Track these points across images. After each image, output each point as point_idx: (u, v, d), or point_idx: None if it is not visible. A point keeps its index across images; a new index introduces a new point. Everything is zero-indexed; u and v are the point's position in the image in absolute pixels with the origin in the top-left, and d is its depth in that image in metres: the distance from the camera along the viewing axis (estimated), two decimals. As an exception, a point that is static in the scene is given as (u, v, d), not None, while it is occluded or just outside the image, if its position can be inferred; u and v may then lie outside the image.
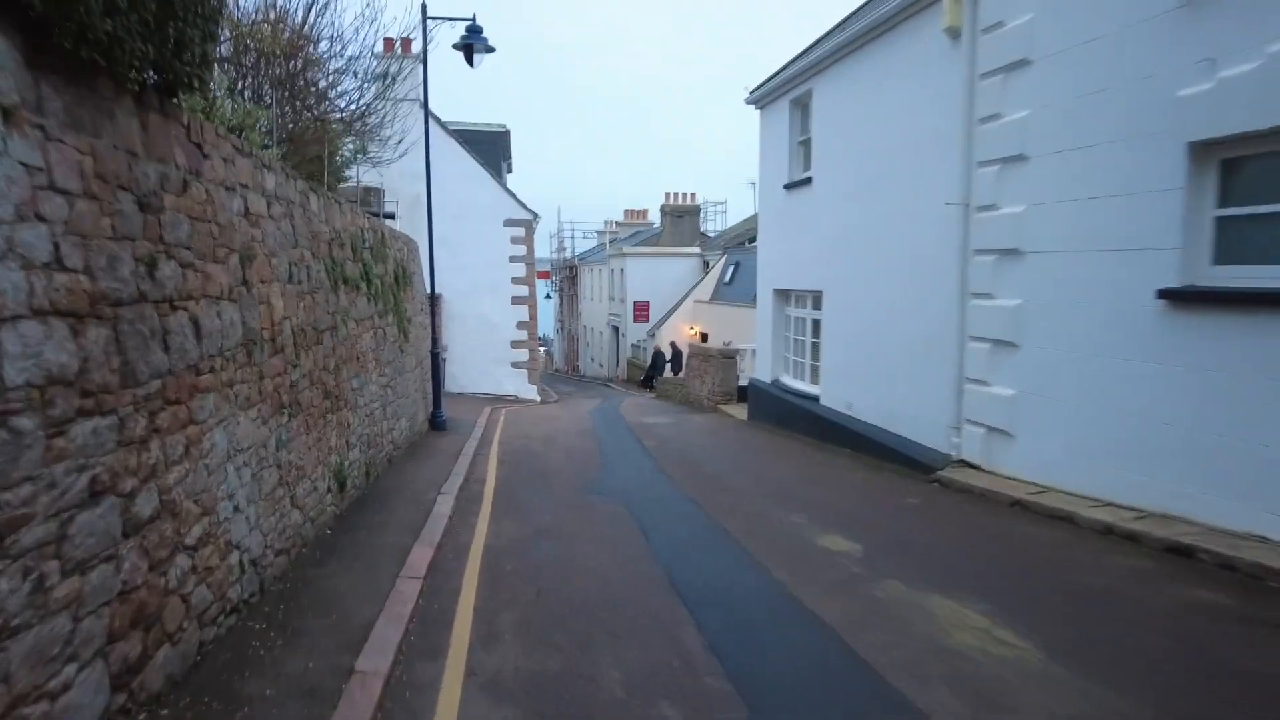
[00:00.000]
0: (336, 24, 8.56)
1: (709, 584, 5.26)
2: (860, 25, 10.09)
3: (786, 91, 12.99)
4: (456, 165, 20.84)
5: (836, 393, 11.39)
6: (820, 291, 11.95)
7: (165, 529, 3.56)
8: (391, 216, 15.30)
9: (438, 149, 14.98)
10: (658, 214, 41.10)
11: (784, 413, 13.24)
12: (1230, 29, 5.25)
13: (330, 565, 5.51)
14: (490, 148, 24.75)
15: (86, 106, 3.11)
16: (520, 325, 22.48)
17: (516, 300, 22.38)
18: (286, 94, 7.32)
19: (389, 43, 16.46)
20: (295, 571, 5.33)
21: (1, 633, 2.41)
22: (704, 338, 29.05)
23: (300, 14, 7.47)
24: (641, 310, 35.70)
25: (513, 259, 22.23)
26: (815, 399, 12.03)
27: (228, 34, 6.68)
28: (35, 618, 2.57)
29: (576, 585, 5.32)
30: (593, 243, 48.73)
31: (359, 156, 10.03)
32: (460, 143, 21.55)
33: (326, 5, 8.00)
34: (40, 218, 2.75)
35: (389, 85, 10.03)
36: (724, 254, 33.08)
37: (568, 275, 48.16)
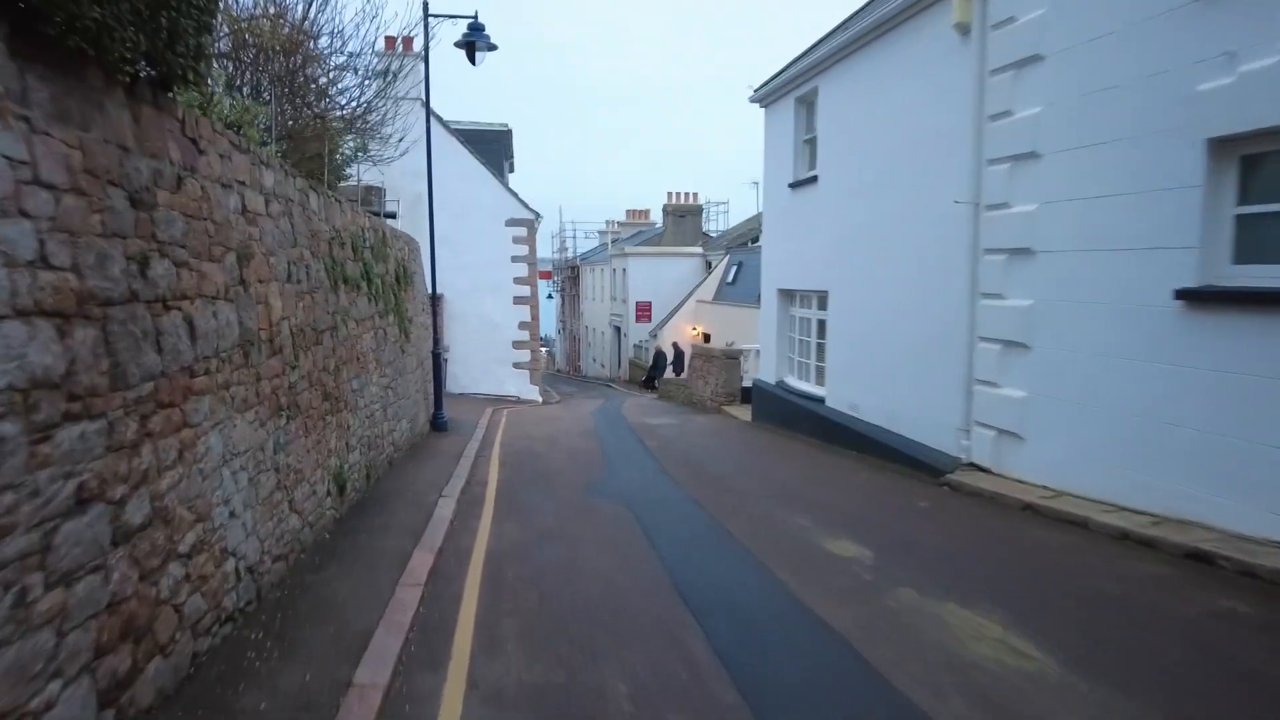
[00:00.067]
0: (337, 20, 8.46)
1: (715, 589, 5.14)
2: (866, 22, 9.97)
3: (791, 90, 12.87)
4: (458, 164, 20.73)
5: (842, 394, 11.26)
6: (826, 291, 11.82)
7: (157, 537, 3.44)
8: (393, 215, 15.19)
9: (439, 148, 14.86)
10: (660, 214, 41.00)
11: (788, 414, 13.11)
12: (1251, 22, 5.12)
13: (329, 571, 5.40)
14: (492, 147, 24.62)
15: (75, 98, 2.99)
16: (522, 325, 22.36)
17: (518, 300, 22.27)
18: (286, 90, 7.20)
19: (390, 41, 16.37)
20: (293, 578, 5.21)
21: (-20, 649, 2.30)
22: (706, 338, 28.93)
23: (300, 9, 7.36)
24: (644, 310, 35.57)
25: (515, 259, 22.11)
26: (820, 400, 11.90)
27: (226, 29, 6.56)
28: (16, 633, 2.45)
29: (580, 591, 5.20)
30: (594, 243, 48.63)
31: (360, 155, 9.92)
32: (462, 142, 21.44)
33: (327, 1, 7.91)
34: (24, 213, 2.63)
35: (390, 83, 9.92)
36: (726, 254, 32.94)
37: (569, 275, 48.05)
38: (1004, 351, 7.52)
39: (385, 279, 9.44)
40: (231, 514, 4.37)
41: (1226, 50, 5.23)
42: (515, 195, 22.29)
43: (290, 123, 7.58)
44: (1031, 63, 7.05)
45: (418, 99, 13.46)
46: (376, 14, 16.24)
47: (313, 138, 7.67)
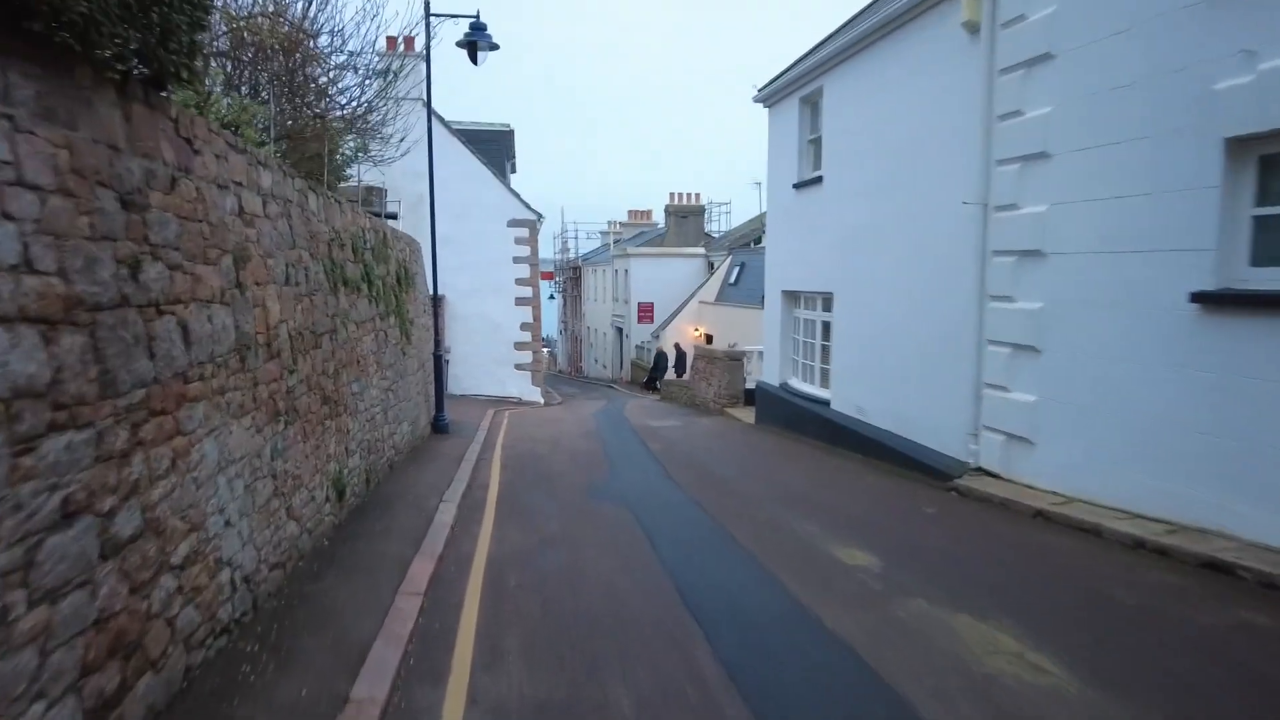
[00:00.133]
0: (337, 19, 8.36)
1: (722, 599, 5.03)
2: (873, 21, 9.85)
3: (796, 89, 12.75)
4: (460, 165, 20.65)
5: (847, 396, 11.14)
6: (830, 293, 11.70)
7: (148, 549, 3.34)
8: (394, 216, 15.08)
9: (441, 148, 14.76)
10: (662, 214, 40.92)
11: (792, 416, 13.00)
12: (1270, 18, 5.00)
13: (328, 579, 5.29)
14: (494, 147, 24.52)
15: (61, 96, 2.89)
16: (524, 326, 22.27)
17: (520, 301, 22.17)
18: (285, 89, 7.10)
19: (391, 41, 16.27)
20: (291, 586, 5.11)
21: (-43, 672, 2.20)
22: (709, 339, 28.81)
23: (299, 7, 7.26)
24: (646, 311, 35.47)
25: (516, 259, 22.01)
26: (825, 403, 11.78)
27: (224, 27, 6.46)
28: (-3, 654, 2.35)
29: (583, 600, 5.09)
30: (596, 243, 48.57)
31: (360, 155, 9.81)
32: (464, 142, 21.35)
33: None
34: (7, 215, 2.53)
35: (391, 82, 9.81)
36: (729, 255, 32.83)
37: (571, 276, 47.97)
38: (1013, 355, 7.40)
39: (386, 280, 9.34)
40: (227, 523, 4.27)
41: (1245, 48, 5.11)
42: (517, 195, 22.19)
43: (289, 122, 7.48)
44: (1042, 61, 6.94)
45: (419, 99, 13.37)
46: (377, 13, 16.14)
47: (312, 138, 7.57)
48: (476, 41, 12.61)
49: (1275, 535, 5.04)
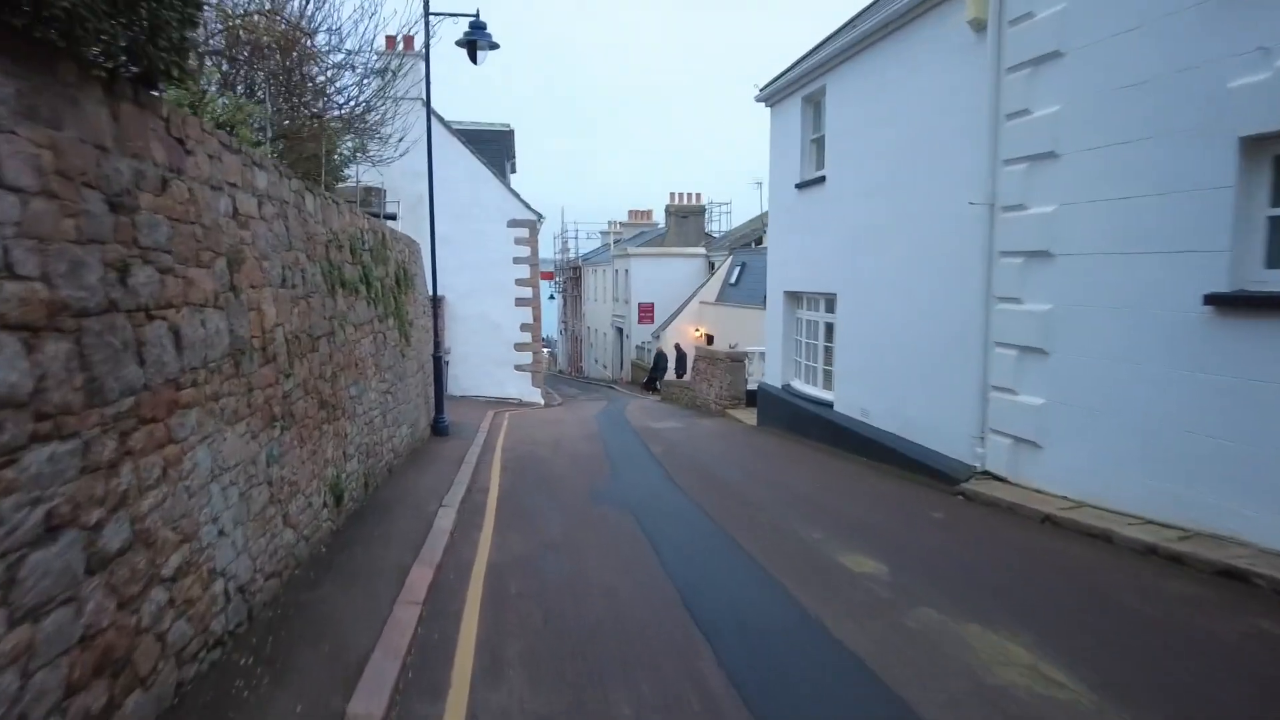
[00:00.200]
0: (334, 17, 8.25)
1: (727, 608, 4.92)
2: (876, 19, 9.75)
3: (798, 88, 12.65)
4: (460, 165, 20.55)
5: (851, 399, 11.04)
6: (834, 294, 11.60)
7: (138, 561, 3.23)
8: (393, 217, 14.99)
9: (440, 148, 14.66)
10: (662, 214, 40.79)
11: (795, 418, 12.90)
12: (1287, 15, 4.91)
13: (325, 588, 5.19)
14: (494, 147, 24.41)
15: (45, 94, 2.78)
16: (524, 327, 22.16)
17: (520, 302, 22.06)
18: (282, 88, 7.00)
19: (390, 40, 16.17)
20: (287, 595, 5.01)
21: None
22: (710, 340, 28.70)
23: (296, 4, 7.15)
24: (646, 311, 35.36)
25: (516, 260, 21.90)
26: (829, 405, 11.68)
27: (219, 25, 6.36)
28: (-26, 678, 2.25)
29: (586, 608, 4.99)
30: (596, 243, 48.45)
31: (358, 155, 9.71)
32: (463, 142, 21.24)
33: (324, -3, 7.70)
34: (-14, 219, 2.43)
35: (389, 81, 9.71)
36: (730, 255, 32.71)
37: (571, 276, 47.86)
38: (1021, 357, 7.29)
39: (385, 282, 9.24)
40: (220, 532, 4.17)
41: (1260, 45, 5.01)
42: (517, 196, 22.08)
43: (286, 122, 7.37)
44: (1050, 59, 6.83)
45: (418, 99, 13.27)
46: (375, 11, 16.04)
47: (309, 138, 7.46)
48: (476, 40, 12.51)
49: (1290, 542, 4.94)
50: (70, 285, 2.85)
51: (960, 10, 7.98)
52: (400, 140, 10.34)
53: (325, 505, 6.26)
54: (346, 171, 9.75)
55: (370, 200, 13.18)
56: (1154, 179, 5.84)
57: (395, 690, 3.85)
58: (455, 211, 19.12)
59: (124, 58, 3.28)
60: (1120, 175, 6.14)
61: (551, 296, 48.82)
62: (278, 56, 6.82)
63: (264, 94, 6.62)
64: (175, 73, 3.64)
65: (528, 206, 22.00)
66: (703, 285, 33.13)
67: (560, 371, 46.32)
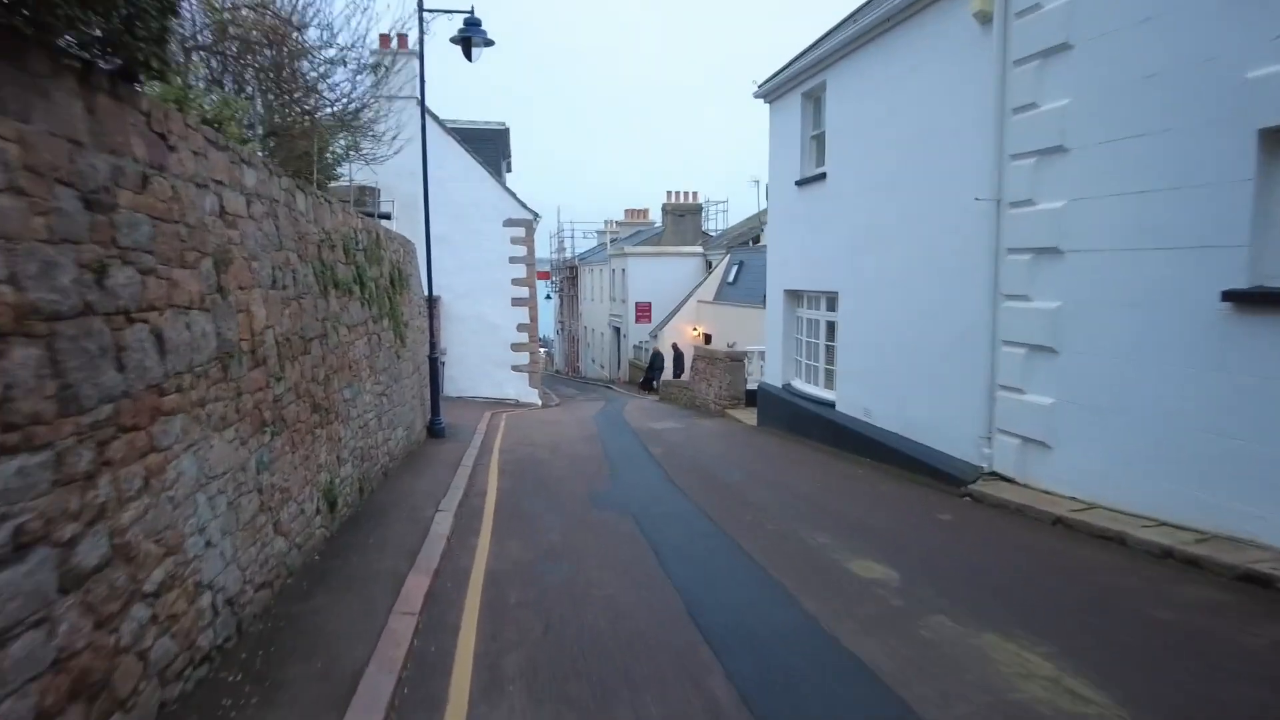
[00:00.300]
0: (326, 11, 8.08)
1: (733, 618, 4.76)
2: (879, 13, 9.60)
3: (798, 84, 12.49)
4: (455, 164, 20.37)
5: (853, 398, 10.89)
6: (835, 292, 11.45)
7: (117, 577, 3.07)
8: (387, 216, 14.82)
9: (435, 147, 14.49)
10: (659, 213, 40.64)
11: (796, 418, 12.75)
12: (1308, 3, 4.76)
13: (318, 599, 5.02)
14: (489, 146, 24.25)
15: (12, 85, 2.61)
16: (521, 327, 21.98)
17: (517, 301, 21.88)
18: (272, 83, 6.82)
19: (384, 38, 16.00)
20: (279, 606, 4.84)
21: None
22: (707, 339, 28.56)
23: (285, -2, 6.97)
24: (643, 311, 35.19)
25: (513, 259, 21.72)
26: (830, 405, 11.53)
27: (206, 18, 6.18)
28: (-68, 712, 2.08)
29: (588, 619, 4.82)
30: (593, 243, 48.26)
31: (351, 153, 9.52)
32: (458, 141, 21.06)
33: (315, -10, 7.51)
34: (-55, 217, 2.26)
35: (383, 77, 9.52)
36: (727, 253, 32.56)
37: (568, 276, 47.67)
38: (1029, 356, 7.15)
39: (379, 282, 9.06)
40: (208, 543, 4.00)
41: None
42: (513, 195, 21.91)
43: (277, 118, 7.20)
44: (1059, 52, 6.68)
45: (412, 97, 13.10)
46: (368, 6, 15.83)
47: (300, 135, 7.28)
48: (471, 37, 12.34)
49: (1315, 546, 4.80)
50: (41, 287, 2.69)
51: (965, 3, 7.84)
52: (394, 138, 10.16)
53: (318, 512, 6.09)
54: (340, 170, 9.56)
55: (364, 200, 13.01)
56: (1168, 173, 5.69)
57: (390, 707, 3.69)
58: (451, 211, 18.95)
59: (99, 48, 3.12)
60: (1133, 169, 5.99)
61: (548, 296, 48.64)
62: (267, 51, 6.64)
63: (253, 90, 6.45)
64: (155, 64, 3.47)
65: (524, 205, 21.82)
66: (700, 284, 32.98)
67: (557, 372, 46.14)
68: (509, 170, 29.25)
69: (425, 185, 12.38)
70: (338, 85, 8.30)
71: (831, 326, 11.82)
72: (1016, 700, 3.58)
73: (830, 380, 11.93)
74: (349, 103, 8.73)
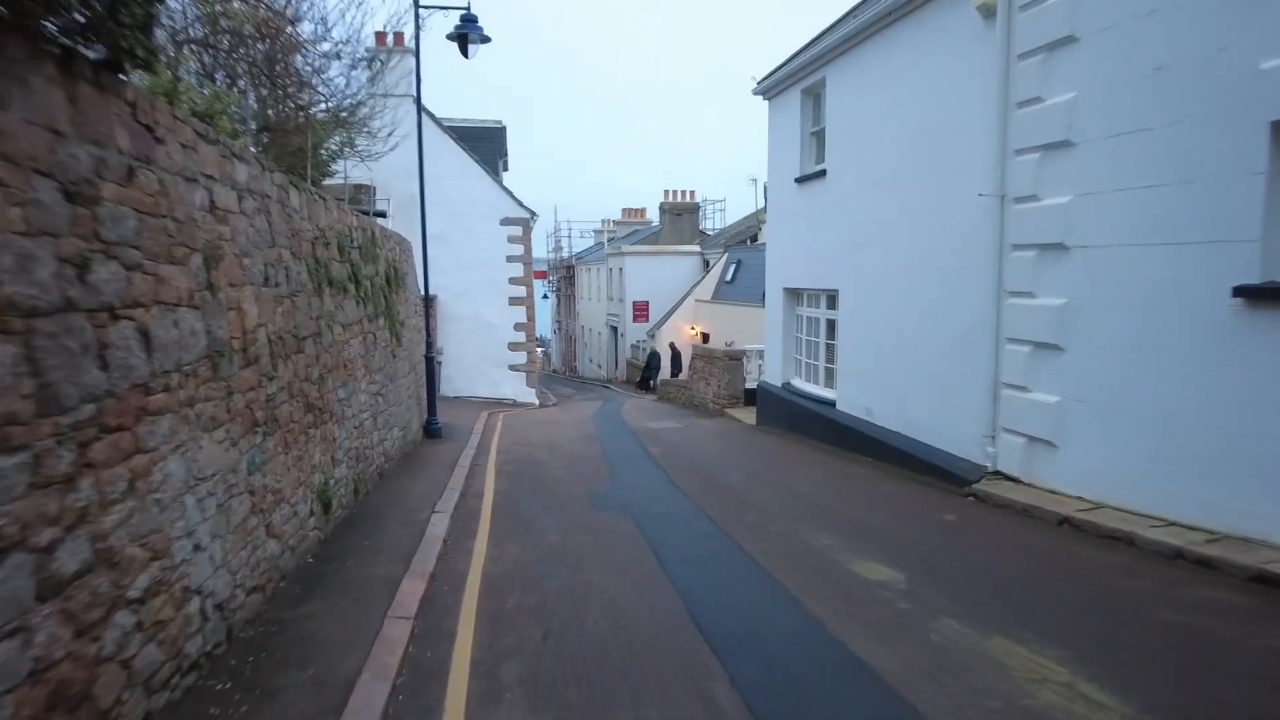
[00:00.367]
0: (320, 4, 7.95)
1: (736, 622, 4.65)
2: (879, 8, 9.49)
3: (797, 80, 12.39)
4: (451, 162, 20.24)
5: (854, 397, 10.79)
6: (836, 290, 11.35)
7: (99, 584, 2.95)
8: (382, 214, 14.69)
9: (431, 145, 14.37)
10: (656, 212, 40.54)
11: (796, 418, 12.65)
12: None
13: (311, 604, 4.91)
14: (486, 144, 24.11)
15: (-15, 70, 2.50)
16: (518, 326, 21.85)
17: (514, 301, 21.75)
18: (265, 77, 6.70)
19: (380, 36, 15.87)
20: (271, 611, 4.73)
21: None
22: (705, 338, 28.47)
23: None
24: (641, 310, 35.09)
25: (510, 258, 21.58)
26: (831, 404, 11.43)
27: (198, 10, 6.06)
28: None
29: (589, 625, 4.71)
30: (590, 242, 48.15)
31: (346, 150, 9.39)
32: (455, 139, 20.92)
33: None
34: (-88, 206, 2.15)
35: (378, 73, 9.40)
36: (725, 252, 32.48)
37: (565, 275, 47.56)
38: (1034, 353, 7.05)
39: (374, 281, 8.94)
40: (196, 547, 3.88)
41: (1293, 24, 4.77)
42: (510, 193, 21.77)
43: (270, 112, 7.07)
44: (1064, 45, 6.58)
45: (408, 95, 12.98)
46: (362, 0, 15.70)
47: (294, 131, 7.16)
48: (467, 34, 12.22)
49: (1330, 547, 4.70)
50: (18, 282, 2.57)
51: (968, -4, 7.73)
52: (390, 134, 10.03)
53: (312, 514, 5.98)
54: (334, 167, 9.44)
55: (359, 198, 12.89)
56: (1178, 167, 5.59)
57: (385, 716, 3.58)
58: (447, 209, 18.83)
59: (81, 34, 3.01)
60: (1141, 164, 5.90)
61: (545, 296, 48.53)
62: (260, 45, 6.52)
63: (246, 84, 6.33)
64: (140, 52, 3.35)
65: (521, 204, 21.69)
66: (698, 283, 32.90)
67: (555, 371, 46.03)
68: (506, 169, 29.11)
69: (421, 183, 12.26)
70: (332, 80, 8.18)
71: (832, 325, 11.72)
72: (1031, 707, 3.47)
73: (831, 379, 11.83)
74: (344, 99, 8.61)
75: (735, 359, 17.29)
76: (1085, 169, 6.43)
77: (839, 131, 11.22)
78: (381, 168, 11.88)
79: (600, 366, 40.31)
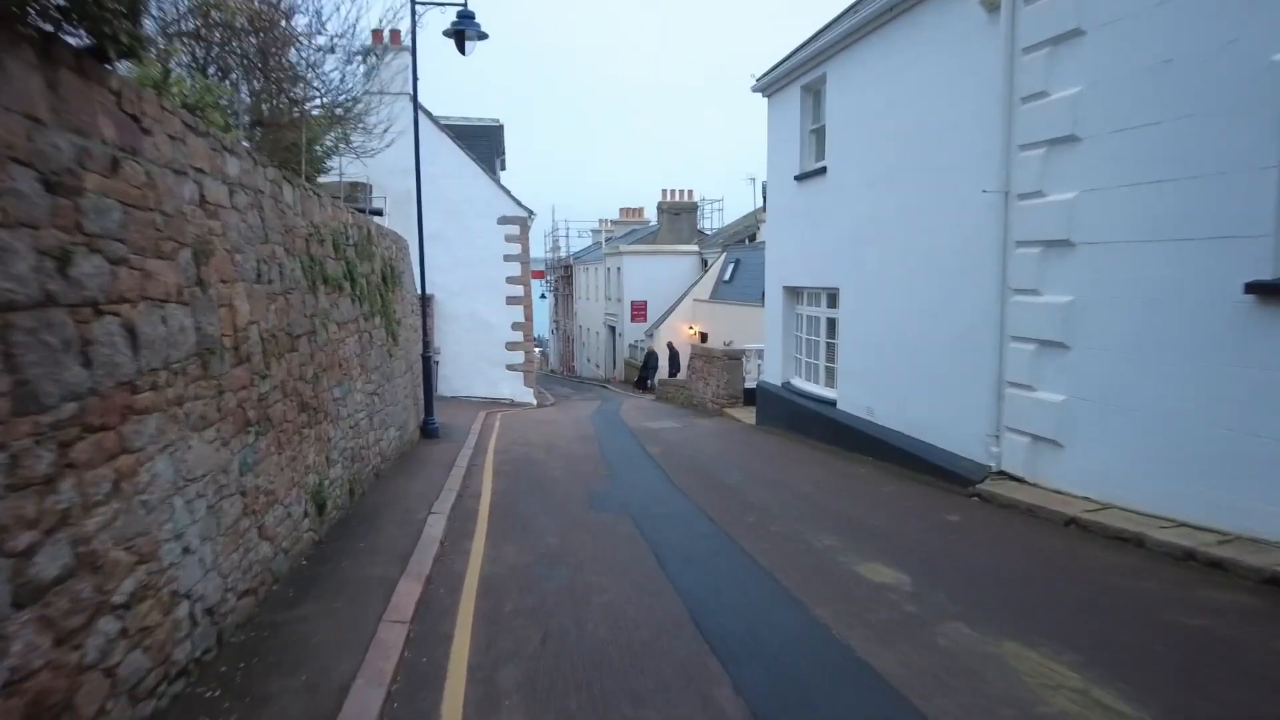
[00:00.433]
0: None
1: (740, 625, 4.55)
2: (879, 4, 9.38)
3: (797, 77, 12.29)
4: (448, 160, 20.12)
5: (855, 397, 10.69)
6: (836, 289, 11.25)
7: (81, 589, 2.84)
8: (379, 213, 14.59)
9: (428, 143, 14.26)
10: (654, 212, 40.43)
11: (796, 417, 12.55)
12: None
13: (305, 607, 4.80)
14: (483, 143, 23.99)
15: (-42, 52, 2.39)
16: (516, 326, 21.73)
17: (511, 300, 21.63)
18: (258, 71, 6.59)
19: (377, 34, 15.75)
20: (263, 615, 4.61)
21: None
22: (703, 338, 28.38)
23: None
24: (639, 310, 34.97)
25: (507, 257, 21.46)
26: (831, 403, 11.33)
27: (190, 2, 5.95)
28: None
29: (588, 628, 4.60)
30: (588, 241, 48.04)
31: (341, 146, 9.28)
32: (452, 137, 20.80)
33: (303, -23, 7.29)
34: (-123, 193, 2.04)
35: (373, 68, 9.29)
36: (723, 251, 32.39)
37: (563, 275, 47.44)
38: (1039, 351, 6.95)
39: (370, 279, 8.83)
40: (185, 550, 3.77)
41: (1307, 14, 4.68)
42: (507, 192, 21.65)
43: (264, 107, 6.96)
44: (1070, 38, 6.49)
45: (404, 92, 12.86)
46: (358, -6, 15.55)
47: (288, 125, 7.05)
48: (464, 30, 12.10)
49: (1345, 548, 4.61)
50: (-7, 274, 2.46)
51: (970, -10, 7.64)
52: (385, 130, 9.92)
53: (306, 515, 5.87)
54: (329, 164, 9.32)
55: (356, 195, 12.79)
56: (1187, 161, 5.50)
57: (379, 725, 3.47)
58: (444, 208, 18.72)
59: (63, 18, 2.90)
60: (1149, 158, 5.80)
61: (543, 296, 48.42)
62: (253, 38, 6.40)
63: (238, 77, 6.22)
64: (124, 39, 3.24)
65: (518, 203, 21.58)
66: (696, 283, 32.81)
67: (552, 371, 45.91)
68: (503, 168, 29.01)
69: (418, 181, 12.15)
70: (328, 75, 8.07)
71: (832, 323, 11.62)
72: (1045, 714, 3.37)
73: (831, 378, 11.73)
74: (339, 95, 8.50)
75: (734, 358, 17.20)
76: (1091, 164, 6.33)
77: (840, 128, 11.12)
78: (378, 166, 11.78)
79: (598, 366, 40.21)
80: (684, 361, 24.86)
